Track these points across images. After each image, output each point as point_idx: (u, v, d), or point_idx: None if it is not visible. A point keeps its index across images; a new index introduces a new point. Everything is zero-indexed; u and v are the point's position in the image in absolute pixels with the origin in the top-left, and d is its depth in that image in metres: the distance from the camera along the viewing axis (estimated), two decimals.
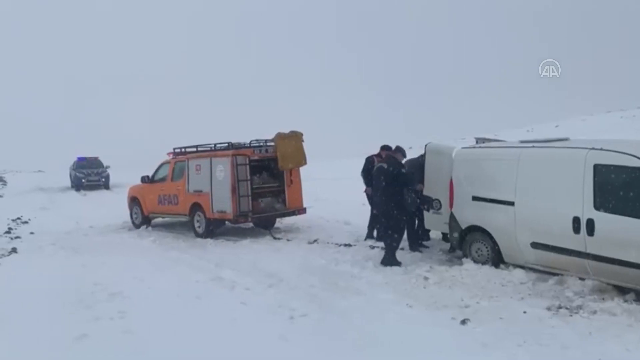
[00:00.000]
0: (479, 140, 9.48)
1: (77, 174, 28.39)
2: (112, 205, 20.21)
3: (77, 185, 28.16)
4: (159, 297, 7.40)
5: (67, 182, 30.13)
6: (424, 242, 10.05)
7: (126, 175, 30.48)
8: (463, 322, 5.95)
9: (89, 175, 28.34)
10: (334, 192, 18.28)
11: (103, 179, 28.69)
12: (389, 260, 8.64)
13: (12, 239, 12.71)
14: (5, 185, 32.08)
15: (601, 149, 6.93)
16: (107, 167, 29.50)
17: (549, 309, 6.30)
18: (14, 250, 11.00)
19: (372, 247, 9.91)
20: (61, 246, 11.76)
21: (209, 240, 11.87)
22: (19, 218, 16.55)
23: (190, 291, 7.60)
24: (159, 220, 14.82)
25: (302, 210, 12.67)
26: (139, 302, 7.17)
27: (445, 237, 9.96)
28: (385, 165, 8.87)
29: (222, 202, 11.76)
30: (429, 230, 10.05)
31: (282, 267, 8.87)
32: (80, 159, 29.61)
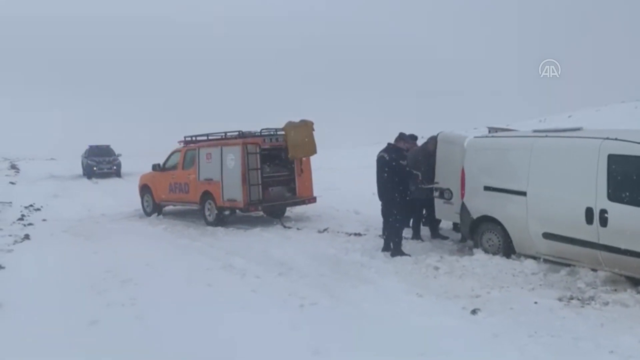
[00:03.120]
0: (491, 130, 9.40)
1: (89, 161, 28.59)
2: (124, 193, 20.34)
3: (89, 173, 28.36)
4: (170, 284, 7.45)
5: (79, 170, 30.38)
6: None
7: (137, 163, 30.70)
8: (473, 312, 5.92)
9: (100, 163, 28.52)
10: (344, 181, 18.27)
11: (115, 167, 28.86)
12: (398, 251, 8.61)
13: (25, 225, 12.80)
14: (18, 172, 32.37)
15: (615, 139, 6.83)
16: (119, 155, 29.69)
17: (560, 299, 6.25)
18: (26, 237, 11.09)
19: (382, 237, 9.87)
20: (73, 233, 11.86)
21: (219, 229, 11.89)
22: (31, 205, 16.66)
23: (200, 279, 7.64)
24: (170, 208, 14.89)
25: (312, 199, 12.68)
26: (150, 289, 7.23)
27: (455, 227, 9.94)
28: (385, 156, 8.80)
29: (233, 190, 11.78)
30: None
31: (292, 255, 8.87)
32: (92, 147, 29.81)
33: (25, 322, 5.98)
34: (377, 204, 12.94)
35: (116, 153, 29.83)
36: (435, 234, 9.97)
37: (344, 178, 19.01)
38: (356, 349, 5.02)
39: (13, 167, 36.26)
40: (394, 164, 8.60)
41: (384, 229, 8.98)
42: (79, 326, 5.79)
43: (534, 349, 4.84)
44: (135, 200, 16.00)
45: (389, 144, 8.92)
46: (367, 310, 6.10)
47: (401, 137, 8.96)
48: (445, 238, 9.82)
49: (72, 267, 8.51)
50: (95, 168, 28.23)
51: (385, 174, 8.68)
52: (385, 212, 8.90)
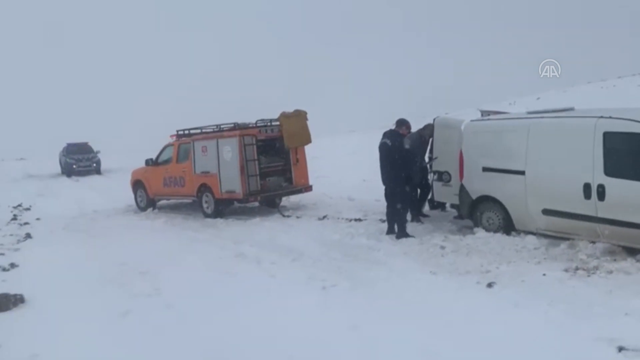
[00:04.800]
0: (484, 113, 9.75)
1: (68, 159, 28.25)
2: (108, 189, 20.38)
3: (68, 171, 28.03)
4: (189, 274, 7.64)
5: (55, 169, 30.04)
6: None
7: (114, 159, 30.52)
8: (489, 285, 6.25)
9: (80, 161, 28.22)
10: (332, 169, 18.50)
11: (94, 164, 28.59)
12: (402, 233, 8.92)
13: (21, 225, 12.73)
14: None
15: (610, 117, 7.23)
16: (98, 152, 29.41)
17: (566, 270, 6.60)
18: (28, 235, 11.07)
19: (383, 221, 10.11)
20: (73, 230, 11.88)
21: (219, 220, 12.04)
22: (19, 205, 16.53)
23: (217, 267, 7.84)
24: (163, 202, 14.97)
25: (309, 188, 12.92)
26: (170, 279, 7.40)
27: (454, 207, 10.27)
28: (388, 142, 9.06)
29: (231, 182, 11.93)
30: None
31: (300, 242, 9.10)
32: (70, 145, 29.45)
33: (57, 316, 6.09)
34: (370, 190, 13.35)
35: (95, 150, 29.54)
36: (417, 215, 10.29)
37: (331, 166, 19.23)
38: (390, 323, 5.28)
39: None
40: (397, 149, 8.88)
41: (388, 212, 9.25)
42: (113, 317, 5.93)
43: (556, 316, 5.18)
44: (124, 196, 16.05)
45: (390, 130, 9.19)
46: (388, 289, 6.39)
47: (402, 122, 9.23)
48: (427, 216, 10.20)
49: (86, 262, 8.59)
50: (74, 166, 27.92)
51: (389, 160, 8.94)
52: (389, 196, 9.17)
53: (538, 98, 39.13)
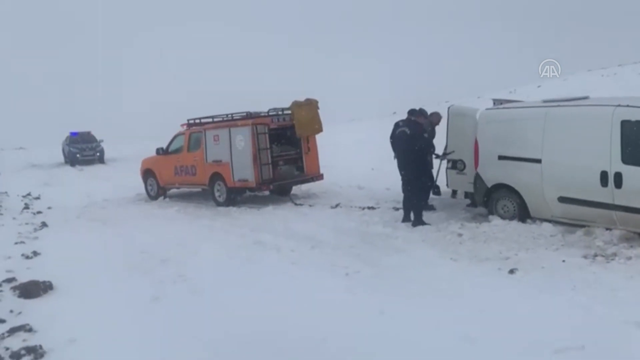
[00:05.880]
0: (496, 102, 9.82)
1: (71, 149, 28.30)
2: (114, 178, 20.44)
3: (72, 160, 28.09)
4: (210, 261, 7.72)
5: (57, 158, 30.06)
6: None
7: (113, 148, 30.53)
8: (511, 271, 6.35)
9: (83, 150, 28.29)
10: (338, 158, 18.51)
11: (98, 154, 28.65)
12: (419, 221, 9.02)
13: (34, 214, 12.81)
14: None
15: (627, 106, 7.32)
16: (101, 141, 29.44)
17: (585, 257, 6.72)
18: (44, 224, 11.13)
19: (397, 209, 10.22)
20: (87, 219, 11.94)
21: (232, 209, 12.12)
22: (29, 194, 16.59)
23: (237, 255, 7.93)
24: (173, 191, 15.04)
25: (320, 176, 13.01)
26: (192, 266, 7.48)
27: (467, 195, 10.36)
28: (407, 130, 9.15)
29: (244, 170, 12.01)
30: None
31: (316, 230, 9.18)
32: (73, 134, 29.47)
33: (88, 302, 6.18)
34: (379, 179, 13.44)
35: (98, 139, 29.57)
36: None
37: (337, 155, 19.25)
38: (417, 308, 5.37)
39: None
40: (417, 138, 8.97)
41: (404, 200, 9.34)
42: (144, 303, 6.03)
43: (581, 300, 5.29)
44: (132, 185, 16.13)
45: (407, 119, 9.28)
46: (411, 275, 6.47)
47: (421, 112, 9.34)
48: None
49: (106, 250, 8.66)
50: (78, 155, 27.98)
51: (408, 148, 9.04)
52: (406, 185, 9.26)
53: (539, 86, 39.10)
